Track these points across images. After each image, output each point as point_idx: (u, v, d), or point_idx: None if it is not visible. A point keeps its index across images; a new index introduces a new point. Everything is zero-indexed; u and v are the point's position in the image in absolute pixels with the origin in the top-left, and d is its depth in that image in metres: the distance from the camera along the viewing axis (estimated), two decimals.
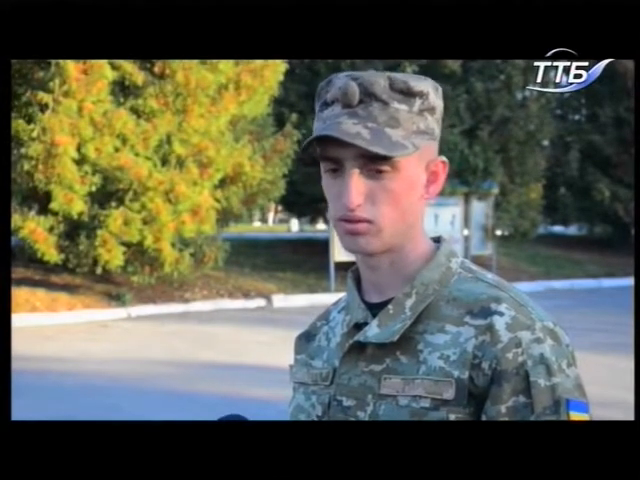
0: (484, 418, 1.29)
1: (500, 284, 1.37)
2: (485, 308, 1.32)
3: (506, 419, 1.28)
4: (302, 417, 1.44)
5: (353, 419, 1.36)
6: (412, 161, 1.33)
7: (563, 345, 1.32)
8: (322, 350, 1.47)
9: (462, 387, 1.30)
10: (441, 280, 1.37)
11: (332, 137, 1.29)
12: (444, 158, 1.39)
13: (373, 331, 1.36)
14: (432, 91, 1.36)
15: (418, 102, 1.34)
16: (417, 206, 1.37)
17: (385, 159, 1.30)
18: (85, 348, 10.92)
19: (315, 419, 1.42)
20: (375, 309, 1.39)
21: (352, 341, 1.38)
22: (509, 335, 1.29)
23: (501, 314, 1.31)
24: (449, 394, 1.30)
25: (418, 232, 1.39)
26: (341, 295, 1.54)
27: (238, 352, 10.36)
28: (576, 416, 1.29)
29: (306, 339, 1.52)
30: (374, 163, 1.31)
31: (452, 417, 1.29)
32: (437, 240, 1.43)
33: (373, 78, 1.33)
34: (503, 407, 1.28)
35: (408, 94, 1.33)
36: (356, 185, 1.31)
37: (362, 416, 1.35)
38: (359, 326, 1.39)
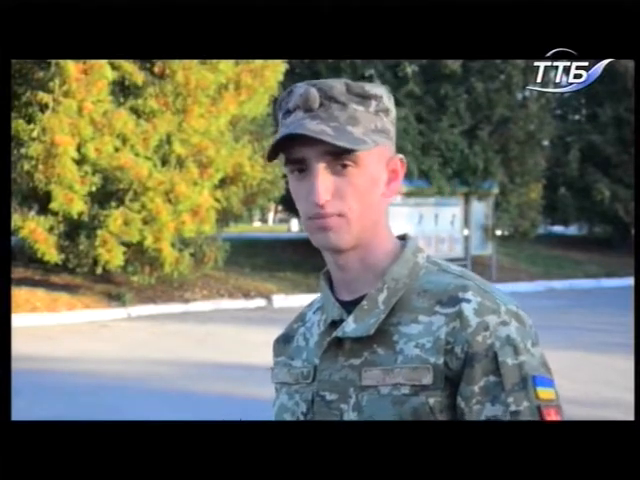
0: (459, 399, 1.36)
1: (465, 274, 1.45)
2: (453, 297, 1.40)
3: (479, 398, 1.34)
4: (287, 416, 1.49)
5: (337, 412, 1.42)
6: (372, 159, 1.42)
7: (527, 326, 1.40)
8: (301, 350, 1.53)
9: (439, 372, 1.37)
10: (410, 274, 1.45)
11: (298, 135, 1.37)
12: (401, 156, 1.48)
13: (350, 327, 1.43)
14: (385, 95, 1.46)
15: (374, 103, 1.43)
16: (380, 203, 1.45)
17: (349, 153, 1.39)
18: (85, 348, 10.92)
19: (300, 416, 1.47)
20: (349, 306, 1.46)
21: (330, 338, 1.45)
22: (477, 320, 1.37)
23: (468, 301, 1.38)
24: (427, 379, 1.37)
25: (383, 229, 1.47)
26: None
27: (238, 352, 10.35)
28: (543, 391, 1.35)
29: (284, 341, 1.59)
30: (338, 159, 1.39)
31: (431, 401, 1.36)
32: (402, 238, 1.51)
33: (331, 83, 1.42)
34: (476, 387, 1.35)
35: (364, 96, 1.43)
36: (323, 182, 1.39)
37: (345, 408, 1.41)
38: (335, 324, 1.46)
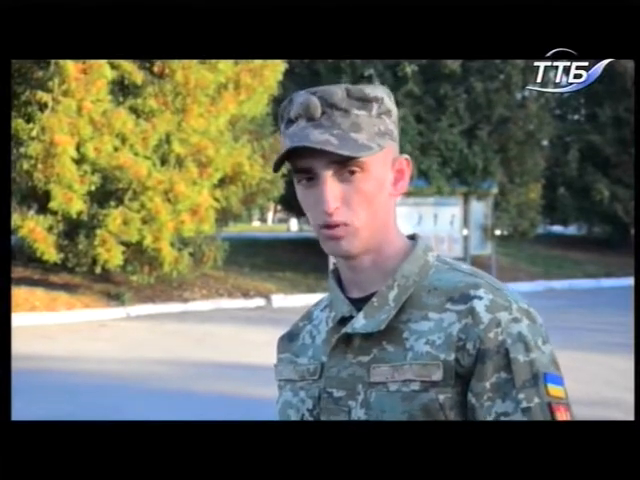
0: (470, 395, 1.36)
1: (475, 272, 1.47)
2: (464, 294, 1.41)
3: (490, 394, 1.35)
4: (291, 413, 1.49)
5: (345, 409, 1.42)
6: (378, 162, 1.43)
7: (538, 324, 1.42)
8: (307, 348, 1.54)
9: (449, 368, 1.38)
10: (420, 272, 1.47)
11: (303, 147, 1.38)
12: (407, 156, 1.49)
13: (360, 322, 1.44)
14: (386, 96, 1.47)
15: (375, 106, 1.44)
16: (388, 204, 1.47)
17: (354, 160, 1.40)
18: (84, 347, 10.92)
19: (305, 413, 1.47)
20: (358, 304, 1.47)
21: (339, 334, 1.45)
22: (489, 316, 1.38)
23: (480, 298, 1.40)
24: (437, 375, 1.38)
25: (393, 230, 1.49)
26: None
27: (237, 352, 10.36)
28: (553, 388, 1.37)
29: (289, 339, 1.60)
30: (345, 166, 1.40)
31: (441, 397, 1.37)
32: (412, 237, 1.53)
33: (331, 90, 1.43)
34: (487, 383, 1.36)
35: (365, 100, 1.43)
36: (331, 190, 1.40)
37: (353, 405, 1.42)
38: (344, 321, 1.47)
